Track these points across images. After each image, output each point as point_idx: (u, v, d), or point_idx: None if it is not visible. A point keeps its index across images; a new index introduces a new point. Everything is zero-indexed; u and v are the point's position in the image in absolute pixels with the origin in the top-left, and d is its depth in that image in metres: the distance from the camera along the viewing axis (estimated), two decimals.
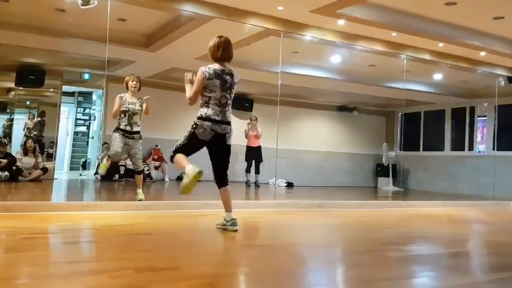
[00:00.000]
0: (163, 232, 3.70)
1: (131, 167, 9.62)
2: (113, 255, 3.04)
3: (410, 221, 5.91)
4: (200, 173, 3.66)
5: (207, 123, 3.88)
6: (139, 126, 5.64)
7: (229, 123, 4.00)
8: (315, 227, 4.97)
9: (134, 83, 5.60)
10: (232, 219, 4.01)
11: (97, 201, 5.30)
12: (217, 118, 3.90)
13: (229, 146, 4.03)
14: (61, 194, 7.60)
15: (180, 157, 3.88)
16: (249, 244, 3.99)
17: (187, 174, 3.67)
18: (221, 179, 4.03)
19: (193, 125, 3.94)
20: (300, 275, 2.82)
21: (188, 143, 3.95)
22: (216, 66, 3.96)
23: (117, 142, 5.51)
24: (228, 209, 4.03)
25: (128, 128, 5.55)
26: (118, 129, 5.57)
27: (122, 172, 9.62)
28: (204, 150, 4.02)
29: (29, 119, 10.33)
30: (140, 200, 5.47)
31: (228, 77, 3.97)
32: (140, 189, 5.61)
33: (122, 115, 5.54)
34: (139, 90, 5.67)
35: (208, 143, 3.94)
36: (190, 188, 3.67)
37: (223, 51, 3.97)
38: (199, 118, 3.92)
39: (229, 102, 4.01)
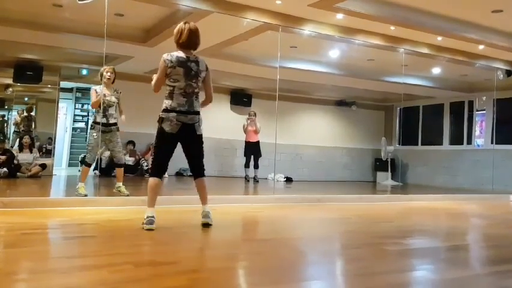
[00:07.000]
0: (162, 227, 3.70)
1: (130, 162, 9.73)
2: (112, 250, 3.04)
3: (408, 215, 5.93)
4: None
5: (172, 114, 3.71)
6: (115, 118, 5.58)
7: (197, 113, 3.82)
8: (314, 221, 4.98)
9: (109, 74, 5.51)
10: (204, 211, 3.90)
11: (95, 197, 5.29)
12: (182, 109, 3.73)
13: (200, 135, 3.86)
14: (60, 189, 7.60)
15: (150, 185, 3.75)
16: (248, 238, 4.00)
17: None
18: (196, 170, 3.94)
19: (158, 120, 3.77)
20: (299, 268, 2.83)
21: (159, 144, 3.79)
22: (180, 53, 3.77)
23: (94, 147, 5.46)
24: (202, 201, 3.92)
25: (104, 121, 5.48)
26: (95, 123, 5.49)
27: None
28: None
29: (17, 113, 10.34)
30: (127, 195, 5.35)
31: (193, 65, 3.77)
32: (121, 183, 5.49)
33: (98, 108, 5.47)
34: (113, 82, 5.58)
35: (178, 136, 3.75)
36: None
37: (186, 37, 3.76)
38: (163, 111, 3.76)
39: (197, 91, 3.82)
